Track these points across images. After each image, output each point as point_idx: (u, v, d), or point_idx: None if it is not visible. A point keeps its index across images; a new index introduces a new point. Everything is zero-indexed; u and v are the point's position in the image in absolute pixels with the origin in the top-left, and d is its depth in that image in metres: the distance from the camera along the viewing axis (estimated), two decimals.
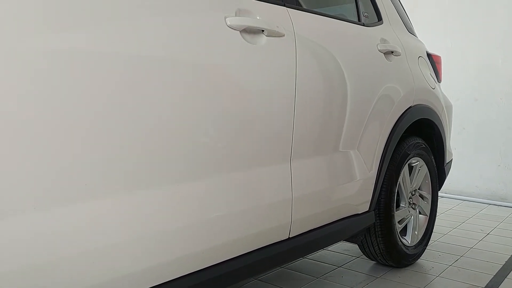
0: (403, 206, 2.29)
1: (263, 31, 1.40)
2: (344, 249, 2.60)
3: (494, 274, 2.27)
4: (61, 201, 0.95)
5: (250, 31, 1.36)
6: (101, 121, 1.01)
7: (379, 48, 2.01)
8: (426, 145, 2.41)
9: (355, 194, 1.90)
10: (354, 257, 2.48)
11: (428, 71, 2.50)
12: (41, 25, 0.91)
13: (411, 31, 2.52)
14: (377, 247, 2.19)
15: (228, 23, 1.29)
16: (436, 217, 2.64)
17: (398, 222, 2.24)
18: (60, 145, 0.94)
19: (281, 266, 2.29)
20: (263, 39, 1.40)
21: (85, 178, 0.99)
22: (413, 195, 2.37)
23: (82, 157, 0.98)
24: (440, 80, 2.72)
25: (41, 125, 0.91)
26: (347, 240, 2.11)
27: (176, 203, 1.19)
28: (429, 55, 2.61)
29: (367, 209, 2.01)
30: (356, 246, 2.42)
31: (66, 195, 0.96)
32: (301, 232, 1.64)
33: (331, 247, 2.61)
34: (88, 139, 0.99)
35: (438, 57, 2.74)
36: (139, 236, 1.10)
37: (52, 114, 0.92)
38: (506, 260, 2.49)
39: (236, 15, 1.33)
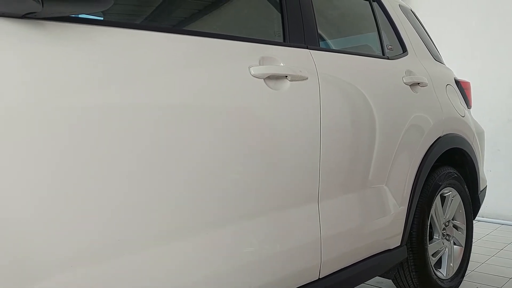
0: (436, 238, 2.24)
1: (286, 76, 1.43)
2: (377, 282, 2.55)
3: None
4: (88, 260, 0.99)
5: (273, 77, 1.39)
6: (134, 173, 1.05)
7: (404, 81, 2.01)
8: (458, 174, 2.36)
9: (386, 229, 1.87)
10: None
11: (457, 98, 2.47)
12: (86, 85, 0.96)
13: (437, 59, 2.50)
14: (410, 281, 2.14)
15: (252, 72, 1.33)
16: (473, 244, 2.56)
17: (432, 255, 2.19)
18: (98, 195, 0.99)
19: None
20: (286, 84, 1.43)
21: (119, 232, 1.03)
22: (446, 226, 2.32)
23: (114, 211, 1.02)
24: (470, 106, 2.68)
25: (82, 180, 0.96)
26: (380, 275, 2.08)
27: (205, 250, 1.21)
28: (457, 82, 2.58)
29: (399, 244, 1.97)
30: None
31: (96, 251, 1.00)
32: (331, 272, 1.63)
33: None
34: (121, 190, 1.03)
35: (467, 83, 2.69)
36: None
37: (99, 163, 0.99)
38: None
39: (260, 64, 1.37)
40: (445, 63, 2.65)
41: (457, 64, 3.42)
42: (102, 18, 1.17)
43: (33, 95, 0.90)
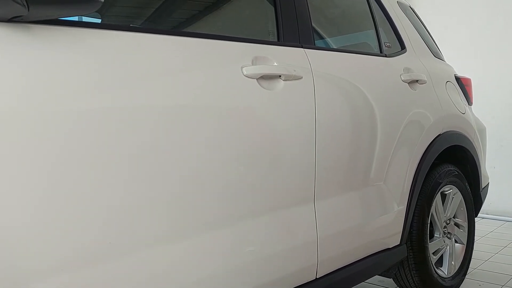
0: (437, 237, 2.22)
1: (280, 76, 1.42)
2: (379, 281, 2.54)
3: None
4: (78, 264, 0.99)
5: (267, 77, 1.39)
6: (130, 175, 1.05)
7: (402, 79, 1.99)
8: (459, 171, 2.34)
9: (385, 228, 1.86)
10: None
11: (458, 95, 2.45)
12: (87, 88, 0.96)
13: (437, 56, 2.48)
14: (411, 280, 2.13)
15: (245, 72, 1.32)
16: (476, 241, 2.55)
17: (433, 253, 2.17)
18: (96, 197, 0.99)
19: None
20: (280, 84, 1.42)
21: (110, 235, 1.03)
22: (447, 224, 2.30)
23: (106, 216, 1.02)
24: (471, 103, 2.65)
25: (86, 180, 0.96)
26: (380, 274, 2.07)
27: (201, 251, 1.21)
28: (457, 79, 2.55)
29: (399, 243, 1.96)
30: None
31: (84, 256, 1.00)
32: (328, 272, 1.62)
33: None
34: (118, 192, 1.03)
35: (468, 80, 2.67)
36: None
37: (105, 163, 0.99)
38: None
39: (252, 64, 1.36)
40: (446, 60, 2.63)
41: (459, 62, 3.39)
42: (98, 21, 1.17)
43: (22, 98, 0.90)
